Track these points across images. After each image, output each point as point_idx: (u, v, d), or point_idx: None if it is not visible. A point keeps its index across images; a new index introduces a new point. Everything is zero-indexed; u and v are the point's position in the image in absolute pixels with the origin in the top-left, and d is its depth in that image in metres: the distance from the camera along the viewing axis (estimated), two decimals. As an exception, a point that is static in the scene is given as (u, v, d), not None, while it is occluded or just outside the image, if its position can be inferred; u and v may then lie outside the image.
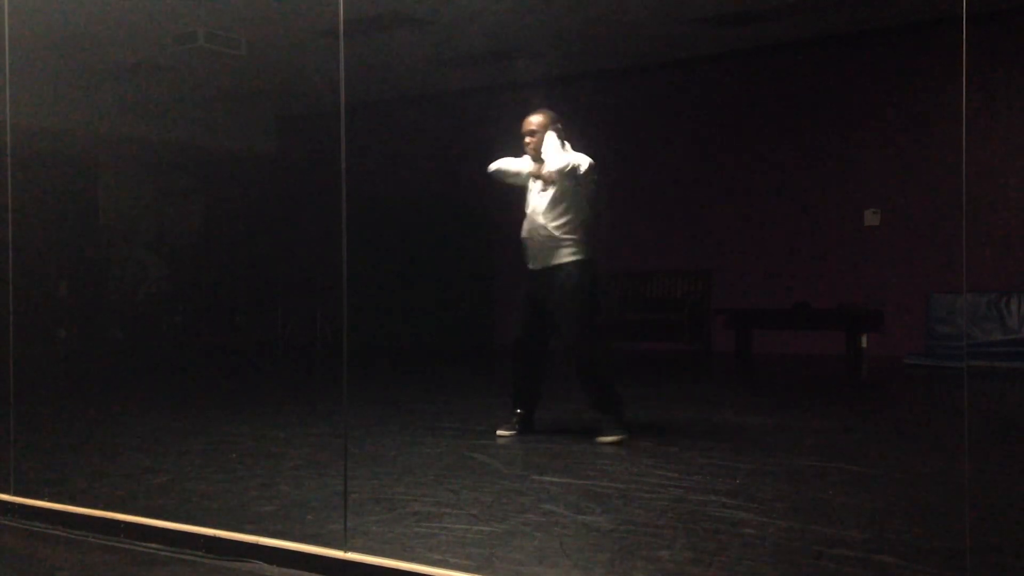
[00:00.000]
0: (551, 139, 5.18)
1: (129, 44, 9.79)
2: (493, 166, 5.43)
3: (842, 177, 10.32)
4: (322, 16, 8.93)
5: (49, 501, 3.89)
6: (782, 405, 7.02)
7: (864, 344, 9.63)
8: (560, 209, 5.19)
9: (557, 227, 5.19)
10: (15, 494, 4.00)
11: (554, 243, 5.21)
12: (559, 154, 5.14)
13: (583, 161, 5.16)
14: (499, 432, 5.46)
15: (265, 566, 3.25)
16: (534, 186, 5.30)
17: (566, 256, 5.21)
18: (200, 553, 3.35)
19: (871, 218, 10.16)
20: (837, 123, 10.42)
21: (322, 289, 12.73)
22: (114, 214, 13.82)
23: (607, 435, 5.18)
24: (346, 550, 3.10)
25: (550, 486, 4.24)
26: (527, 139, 5.28)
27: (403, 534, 3.48)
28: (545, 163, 5.18)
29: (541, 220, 5.21)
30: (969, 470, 3.09)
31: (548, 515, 3.72)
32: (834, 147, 10.41)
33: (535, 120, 5.25)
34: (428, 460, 4.85)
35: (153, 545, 3.47)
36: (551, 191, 5.19)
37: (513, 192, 5.50)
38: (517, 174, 5.36)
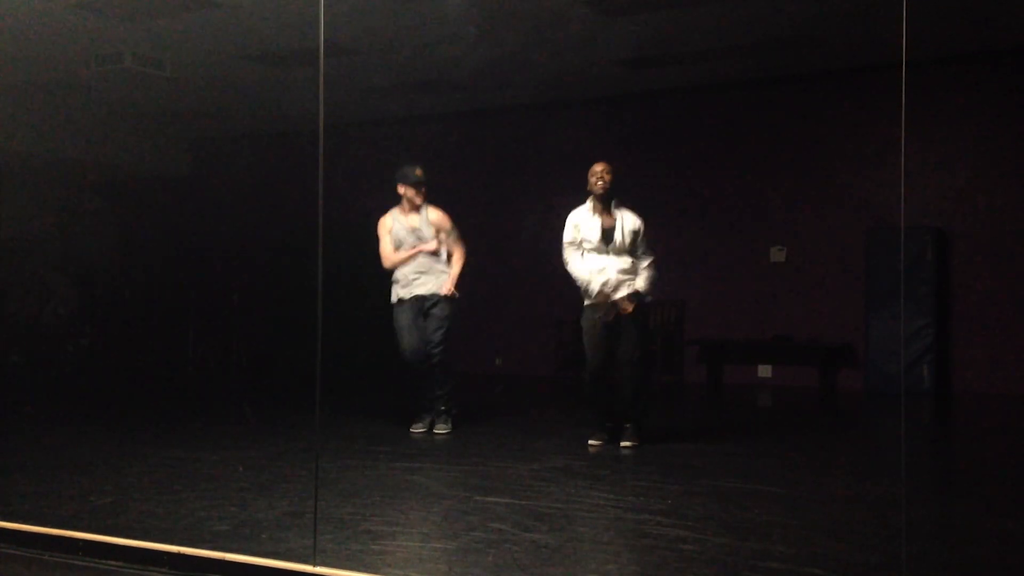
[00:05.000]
0: (650, 275, 6.17)
1: (47, 62, 9.68)
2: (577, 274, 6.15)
3: (821, 208, 10.40)
4: (250, 42, 9.03)
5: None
6: (713, 431, 7.27)
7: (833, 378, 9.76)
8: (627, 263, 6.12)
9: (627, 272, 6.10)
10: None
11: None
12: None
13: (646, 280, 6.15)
14: (591, 442, 6.19)
15: (231, 582, 3.33)
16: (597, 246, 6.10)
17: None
18: (164, 570, 3.41)
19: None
20: (814, 154, 10.44)
21: (236, 314, 12.69)
22: (15, 233, 13.48)
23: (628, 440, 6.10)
24: (315, 564, 3.21)
25: (494, 506, 4.41)
26: (599, 182, 6.08)
27: (360, 551, 3.61)
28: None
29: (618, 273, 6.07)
30: (906, 487, 3.39)
31: (497, 533, 3.90)
32: (811, 179, 10.44)
33: (602, 168, 6.13)
34: (370, 482, 4.98)
35: (114, 563, 3.52)
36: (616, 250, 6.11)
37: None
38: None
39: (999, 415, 8.42)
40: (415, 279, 6.64)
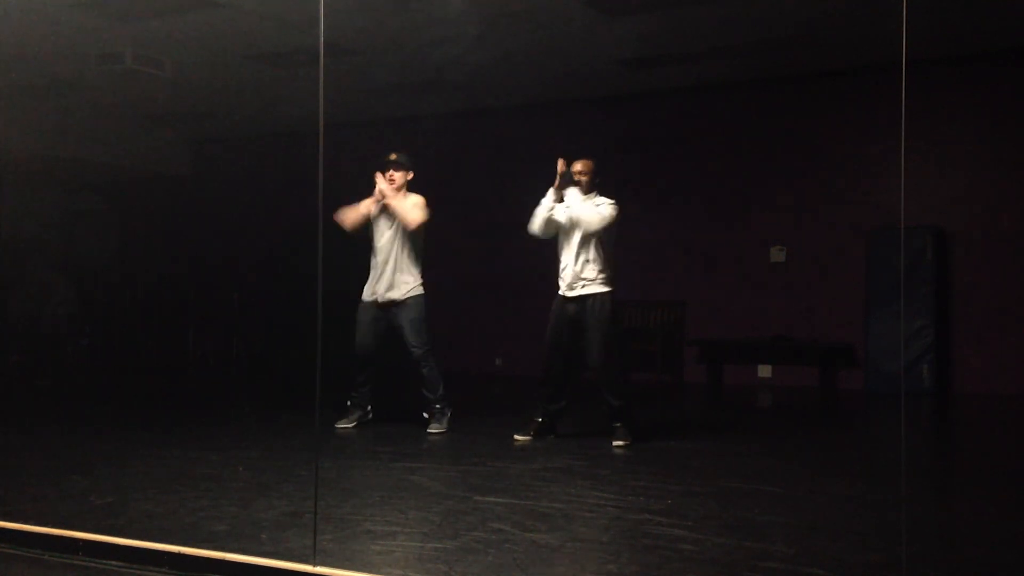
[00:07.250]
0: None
1: (47, 62, 9.68)
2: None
3: (821, 208, 10.38)
4: (250, 42, 9.03)
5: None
6: (713, 431, 7.27)
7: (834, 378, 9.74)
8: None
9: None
10: (-41, 514, 3.98)
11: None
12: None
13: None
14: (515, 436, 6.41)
15: (230, 582, 3.33)
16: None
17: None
18: (164, 570, 3.41)
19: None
20: (815, 154, 10.42)
21: (236, 313, 12.68)
22: (15, 233, 13.49)
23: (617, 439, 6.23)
24: (315, 564, 3.21)
25: (493, 506, 4.41)
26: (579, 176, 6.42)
27: (360, 551, 3.61)
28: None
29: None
30: (906, 487, 3.38)
31: (497, 533, 3.90)
32: (811, 179, 10.42)
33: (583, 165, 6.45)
34: (369, 482, 4.98)
35: (114, 562, 3.52)
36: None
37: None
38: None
39: (999, 415, 8.42)
40: None
